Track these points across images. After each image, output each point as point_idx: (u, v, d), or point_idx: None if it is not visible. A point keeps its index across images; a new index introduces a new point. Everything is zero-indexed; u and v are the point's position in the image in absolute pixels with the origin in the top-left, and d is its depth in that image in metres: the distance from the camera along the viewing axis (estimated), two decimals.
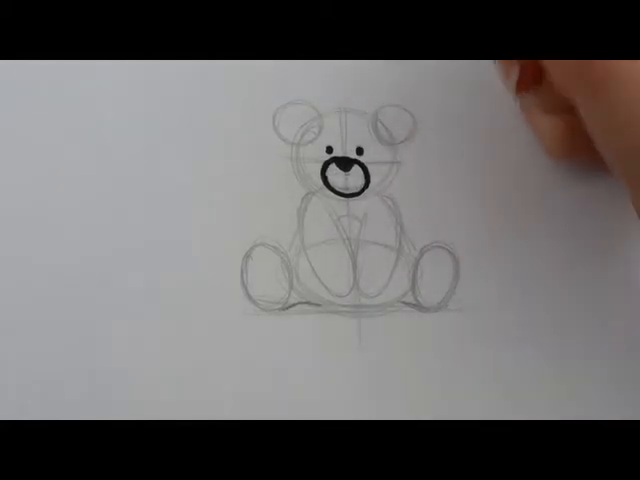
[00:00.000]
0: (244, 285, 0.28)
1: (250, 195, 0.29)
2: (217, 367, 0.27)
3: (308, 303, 0.28)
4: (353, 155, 0.30)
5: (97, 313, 0.27)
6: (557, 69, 0.23)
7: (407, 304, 0.28)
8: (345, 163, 0.29)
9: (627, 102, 0.21)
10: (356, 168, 0.29)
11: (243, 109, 0.30)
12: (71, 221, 0.28)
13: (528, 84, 0.26)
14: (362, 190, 0.29)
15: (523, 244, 0.29)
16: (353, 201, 0.29)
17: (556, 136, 0.27)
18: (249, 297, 0.28)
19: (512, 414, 0.27)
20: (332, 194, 0.29)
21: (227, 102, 0.30)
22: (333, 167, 0.29)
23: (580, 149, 0.27)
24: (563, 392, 0.27)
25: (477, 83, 0.30)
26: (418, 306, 0.28)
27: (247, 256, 0.28)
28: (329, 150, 0.30)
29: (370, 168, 0.29)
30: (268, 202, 0.29)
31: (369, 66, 0.28)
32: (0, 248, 0.28)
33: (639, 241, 0.29)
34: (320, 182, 0.29)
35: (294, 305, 0.28)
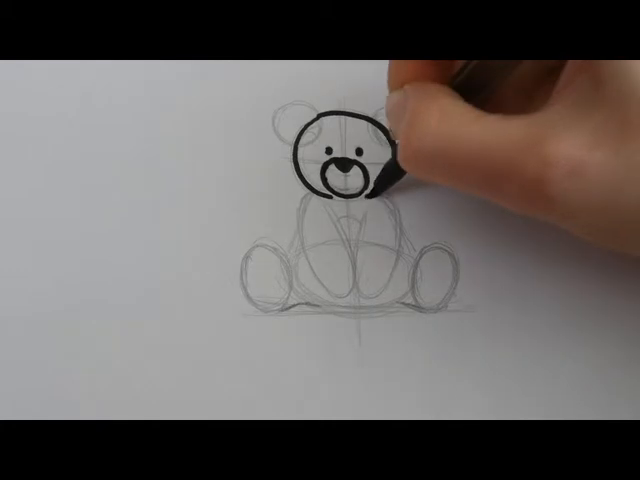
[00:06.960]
0: (244, 286, 0.28)
1: (250, 196, 0.29)
2: (216, 368, 0.27)
3: (308, 304, 0.28)
4: (352, 156, 0.30)
5: (97, 313, 0.27)
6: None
7: (407, 305, 0.28)
8: (344, 164, 0.29)
9: None
10: (356, 169, 0.29)
11: (243, 110, 0.30)
12: (71, 222, 0.28)
13: None
14: (362, 191, 0.29)
15: (522, 245, 0.29)
16: (353, 202, 0.29)
17: None
18: (249, 298, 0.28)
19: (512, 414, 0.27)
20: (331, 195, 0.29)
21: (227, 103, 0.30)
22: (332, 168, 0.29)
23: None
24: (562, 392, 0.27)
25: None
26: (417, 307, 0.28)
27: (247, 257, 0.28)
28: (328, 151, 0.30)
29: (370, 169, 0.29)
30: (268, 203, 0.29)
31: (369, 67, 0.28)
32: (0, 250, 0.28)
33: None
34: (320, 183, 0.29)
35: (294, 306, 0.28)
